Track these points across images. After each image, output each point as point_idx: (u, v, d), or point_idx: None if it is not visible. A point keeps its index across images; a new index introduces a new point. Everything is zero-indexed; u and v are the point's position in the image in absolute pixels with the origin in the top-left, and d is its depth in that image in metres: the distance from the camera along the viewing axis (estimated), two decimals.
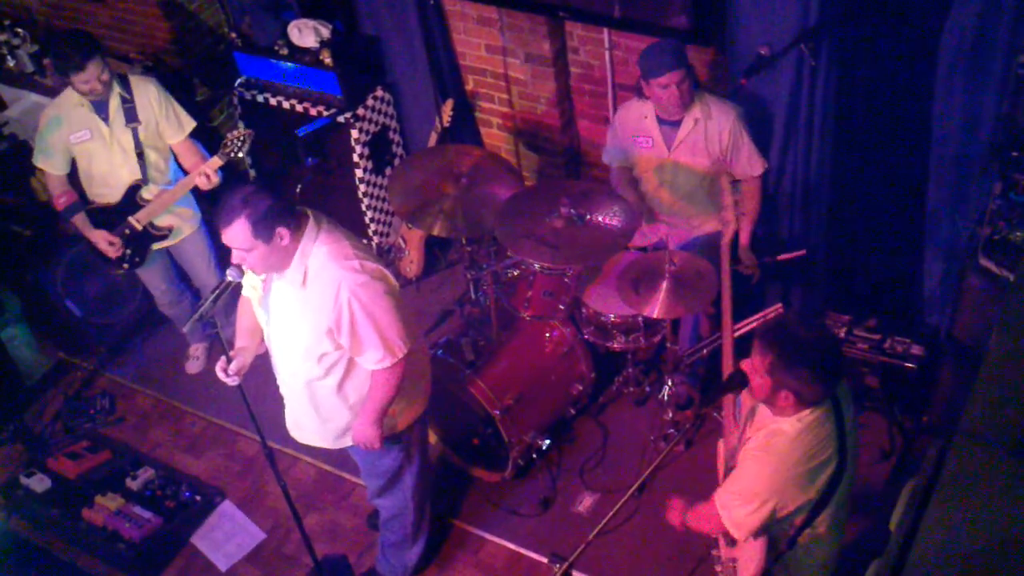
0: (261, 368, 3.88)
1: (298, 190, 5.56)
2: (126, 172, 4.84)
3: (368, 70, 5.58)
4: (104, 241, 4.92)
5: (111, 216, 4.92)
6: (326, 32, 5.40)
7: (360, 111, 5.50)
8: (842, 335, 4.47)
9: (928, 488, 3.05)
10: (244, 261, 3.40)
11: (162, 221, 4.98)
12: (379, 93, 5.60)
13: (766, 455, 3.01)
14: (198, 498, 4.97)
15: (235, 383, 3.67)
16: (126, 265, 5.05)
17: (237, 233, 3.32)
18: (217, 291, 3.49)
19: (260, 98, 5.65)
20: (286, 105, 5.59)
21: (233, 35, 5.64)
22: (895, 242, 4.71)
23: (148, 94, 4.78)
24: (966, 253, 4.23)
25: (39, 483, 5.03)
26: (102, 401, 5.58)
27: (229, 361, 3.66)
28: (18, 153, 6.28)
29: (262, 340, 3.80)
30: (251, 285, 3.73)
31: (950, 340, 4.46)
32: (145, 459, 5.23)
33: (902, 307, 4.76)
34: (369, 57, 5.57)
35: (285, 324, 3.61)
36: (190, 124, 4.91)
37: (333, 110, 5.47)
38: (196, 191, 4.92)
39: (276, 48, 5.49)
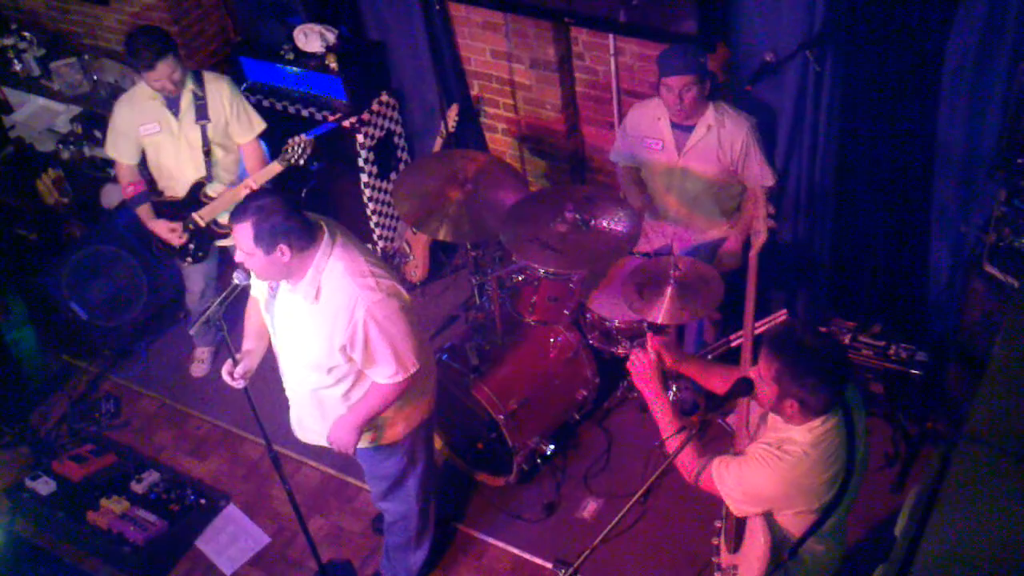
0: (267, 371, 3.89)
1: (303, 194, 5.57)
2: (192, 168, 4.86)
3: (373, 75, 5.59)
4: (166, 230, 4.94)
5: (177, 210, 4.94)
6: (332, 37, 5.42)
7: (365, 116, 5.51)
8: (847, 341, 4.47)
9: (933, 494, 3.05)
10: (246, 262, 3.42)
11: (225, 219, 4.95)
12: (384, 98, 5.62)
13: (778, 461, 2.99)
14: (203, 501, 4.97)
15: (241, 386, 3.68)
16: (190, 259, 5.08)
17: (240, 235, 3.34)
18: (225, 294, 3.50)
19: (265, 103, 5.66)
20: (291, 110, 5.61)
21: (239, 39, 5.65)
22: (900, 249, 4.71)
23: (221, 92, 4.79)
24: (971, 260, 4.23)
25: (44, 486, 5.03)
26: (107, 404, 5.59)
27: (235, 364, 3.67)
28: (24, 156, 6.31)
29: (269, 343, 3.81)
30: (258, 289, 3.73)
31: (955, 346, 4.46)
32: (150, 462, 5.24)
33: (907, 313, 4.76)
34: (374, 62, 5.59)
35: (295, 335, 3.61)
36: (260, 125, 4.93)
37: (338, 115, 5.49)
38: None
39: (282, 53, 5.51)
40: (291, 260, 3.38)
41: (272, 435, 3.83)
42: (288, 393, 3.89)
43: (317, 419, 3.84)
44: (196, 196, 4.91)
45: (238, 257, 3.42)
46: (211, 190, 4.92)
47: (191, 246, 5.03)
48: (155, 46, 4.56)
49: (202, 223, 4.94)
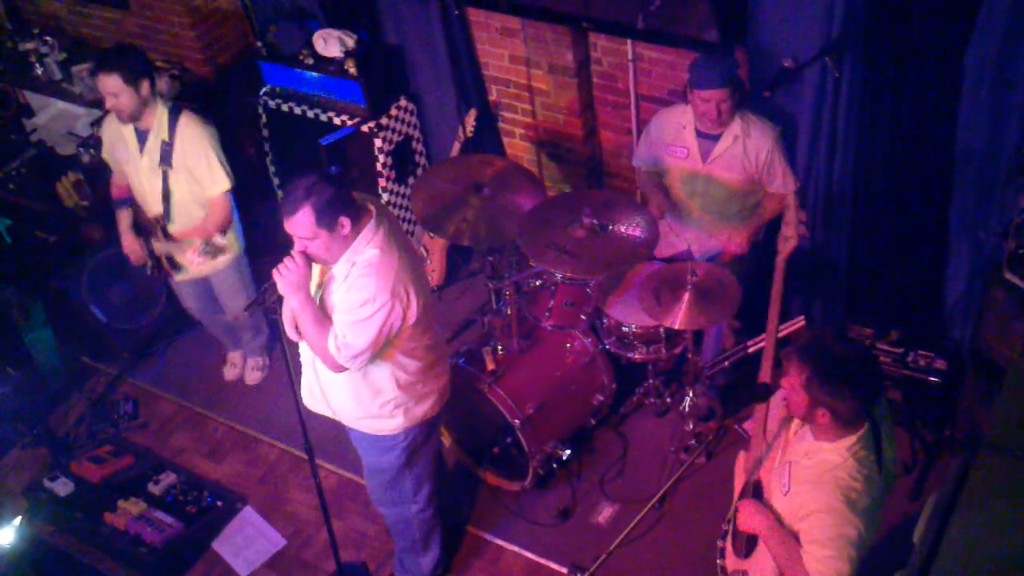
0: (297, 373, 3.90)
1: None
2: (152, 204, 4.81)
3: (392, 80, 5.61)
4: (129, 247, 4.95)
5: (145, 227, 4.93)
6: (351, 42, 5.44)
7: (383, 120, 5.53)
8: None
9: (951, 500, 3.04)
10: (307, 249, 3.44)
11: (181, 257, 4.93)
12: (402, 103, 5.63)
13: (831, 494, 2.93)
14: (219, 503, 4.99)
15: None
16: (148, 271, 5.09)
17: (301, 221, 3.37)
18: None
19: (284, 107, 5.69)
20: (310, 114, 5.63)
21: (258, 44, 5.68)
22: (918, 255, 4.69)
23: (185, 142, 4.64)
24: (990, 267, 4.21)
25: (62, 487, 5.07)
26: (125, 406, 5.62)
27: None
28: (45, 160, 6.35)
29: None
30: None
31: (974, 354, 4.44)
32: (167, 464, 5.26)
33: (925, 321, 4.74)
34: (393, 67, 5.61)
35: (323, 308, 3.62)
36: (223, 183, 4.73)
37: (357, 119, 5.50)
38: (241, 218, 4.97)
39: (301, 57, 5.53)
40: (350, 233, 3.43)
41: (289, 439, 3.83)
42: (303, 361, 3.88)
43: (343, 394, 3.80)
44: (154, 227, 4.86)
45: (298, 246, 3.43)
46: (170, 228, 4.84)
47: (151, 264, 5.00)
48: (107, 59, 4.49)
49: (157, 253, 4.93)
